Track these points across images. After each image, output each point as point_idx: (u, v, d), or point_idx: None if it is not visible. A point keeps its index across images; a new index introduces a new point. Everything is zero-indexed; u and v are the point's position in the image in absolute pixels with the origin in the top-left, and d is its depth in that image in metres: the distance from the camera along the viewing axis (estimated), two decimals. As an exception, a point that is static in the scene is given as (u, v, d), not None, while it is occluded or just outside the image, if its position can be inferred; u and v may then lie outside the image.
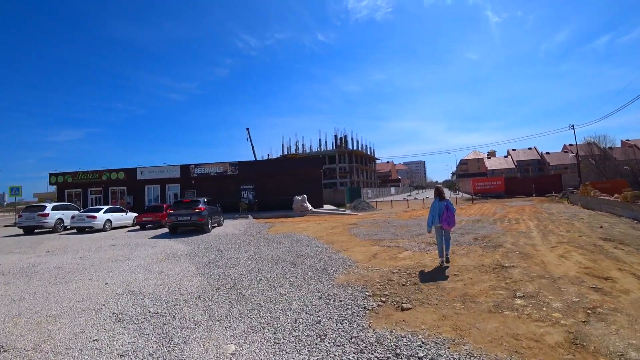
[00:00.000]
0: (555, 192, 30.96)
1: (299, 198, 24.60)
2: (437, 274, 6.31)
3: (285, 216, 23.78)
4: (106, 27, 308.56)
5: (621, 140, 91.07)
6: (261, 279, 6.55)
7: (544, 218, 14.95)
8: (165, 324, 4.44)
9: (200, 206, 14.29)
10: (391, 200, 37.13)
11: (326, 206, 29.60)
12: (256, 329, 4.17)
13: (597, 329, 3.69)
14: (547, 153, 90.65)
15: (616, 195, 15.53)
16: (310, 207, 24.75)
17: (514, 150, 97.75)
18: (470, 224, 14.11)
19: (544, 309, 4.35)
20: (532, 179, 38.92)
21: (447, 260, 6.98)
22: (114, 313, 4.96)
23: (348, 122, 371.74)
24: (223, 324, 4.36)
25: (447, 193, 55.02)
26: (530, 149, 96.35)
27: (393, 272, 6.57)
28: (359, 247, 9.76)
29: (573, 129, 31.79)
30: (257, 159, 42.80)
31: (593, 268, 6.28)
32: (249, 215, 24.26)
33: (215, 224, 16.70)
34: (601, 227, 11.49)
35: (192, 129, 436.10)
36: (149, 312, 4.94)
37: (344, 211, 25.57)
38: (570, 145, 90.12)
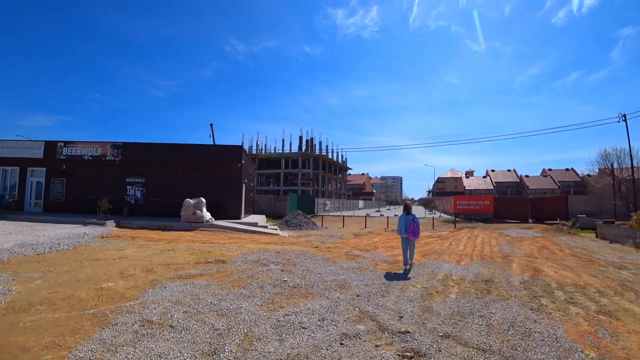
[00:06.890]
0: (560, 219, 23.22)
1: (191, 202, 15.40)
2: None
3: (163, 228, 14.61)
4: (94, 16, 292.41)
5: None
6: None
7: (635, 284, 6.52)
8: None
9: None
10: (343, 216, 28.15)
11: (252, 217, 20.49)
12: None
13: None
14: (526, 176, 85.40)
15: None
16: (208, 216, 15.58)
17: (492, 171, 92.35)
18: (474, 297, 5.47)
19: None
20: (528, 200, 31.16)
21: (412, 265, 7.55)
22: None
23: (330, 134, 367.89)
24: None
25: (423, 212, 47.21)
26: (509, 170, 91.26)
27: None
28: None
29: (625, 120, 23.71)
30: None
31: None
32: (108, 222, 14.91)
33: None
34: None
35: (170, 127, 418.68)
36: None
37: (266, 228, 16.56)
38: (550, 170, 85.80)
